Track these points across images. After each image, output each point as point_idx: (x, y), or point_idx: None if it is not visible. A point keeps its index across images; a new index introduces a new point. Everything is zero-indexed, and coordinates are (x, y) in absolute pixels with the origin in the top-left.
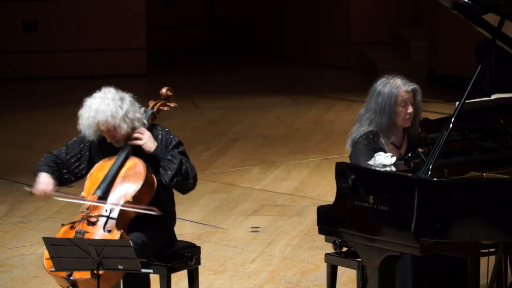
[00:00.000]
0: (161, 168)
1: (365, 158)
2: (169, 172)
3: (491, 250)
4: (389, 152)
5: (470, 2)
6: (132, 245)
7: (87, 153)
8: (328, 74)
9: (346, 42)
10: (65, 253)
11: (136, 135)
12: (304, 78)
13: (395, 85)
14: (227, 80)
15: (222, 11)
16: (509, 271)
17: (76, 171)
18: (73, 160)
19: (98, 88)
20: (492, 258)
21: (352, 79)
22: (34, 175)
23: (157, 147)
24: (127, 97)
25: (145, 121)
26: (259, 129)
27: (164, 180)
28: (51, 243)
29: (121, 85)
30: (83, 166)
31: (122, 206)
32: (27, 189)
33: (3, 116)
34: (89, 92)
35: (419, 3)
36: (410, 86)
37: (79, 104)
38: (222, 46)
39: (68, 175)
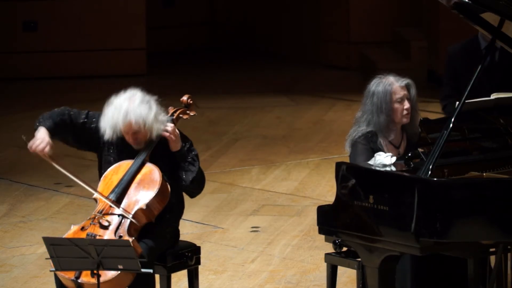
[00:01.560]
0: (180, 169)
1: (363, 157)
2: (189, 175)
3: (491, 250)
4: (388, 151)
5: (470, 2)
6: (130, 244)
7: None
8: (328, 74)
9: (346, 42)
10: (65, 253)
11: (166, 133)
12: (304, 78)
13: (388, 83)
14: (227, 80)
15: (222, 11)
16: (509, 271)
17: (86, 140)
18: (89, 130)
19: (98, 88)
20: (492, 258)
21: (352, 79)
22: (36, 126)
23: (182, 147)
24: (152, 100)
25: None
26: (259, 129)
27: (183, 182)
28: (51, 243)
29: (121, 85)
30: (96, 141)
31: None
32: (23, 137)
33: (3, 116)
34: (89, 92)
35: (419, 3)
36: (404, 81)
37: (79, 104)
38: (222, 46)
39: (73, 138)
